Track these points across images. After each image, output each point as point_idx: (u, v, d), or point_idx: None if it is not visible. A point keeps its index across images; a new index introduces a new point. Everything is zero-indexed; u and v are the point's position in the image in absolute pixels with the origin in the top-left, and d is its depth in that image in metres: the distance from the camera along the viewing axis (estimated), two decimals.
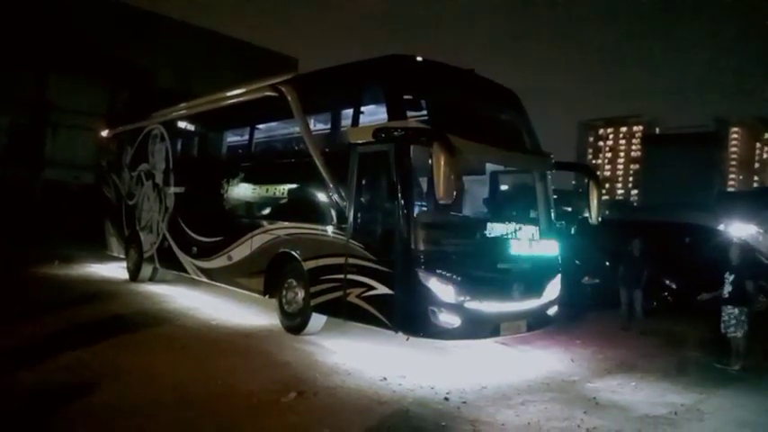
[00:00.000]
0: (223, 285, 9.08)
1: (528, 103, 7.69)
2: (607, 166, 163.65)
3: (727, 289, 7.29)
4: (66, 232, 16.85)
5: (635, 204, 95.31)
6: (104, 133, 14.07)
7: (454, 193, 5.51)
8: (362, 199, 6.53)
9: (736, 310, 7.19)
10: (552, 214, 7.45)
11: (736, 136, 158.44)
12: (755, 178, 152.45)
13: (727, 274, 7.35)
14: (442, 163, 5.39)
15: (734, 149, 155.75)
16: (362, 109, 6.91)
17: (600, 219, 7.67)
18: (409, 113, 6.46)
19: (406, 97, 6.42)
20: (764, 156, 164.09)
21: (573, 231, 12.44)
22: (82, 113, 22.20)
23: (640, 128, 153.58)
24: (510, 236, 6.60)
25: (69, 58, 21.83)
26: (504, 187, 8.11)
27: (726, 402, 5.89)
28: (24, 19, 21.65)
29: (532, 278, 6.73)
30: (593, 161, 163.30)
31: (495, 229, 6.48)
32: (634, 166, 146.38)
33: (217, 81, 10.29)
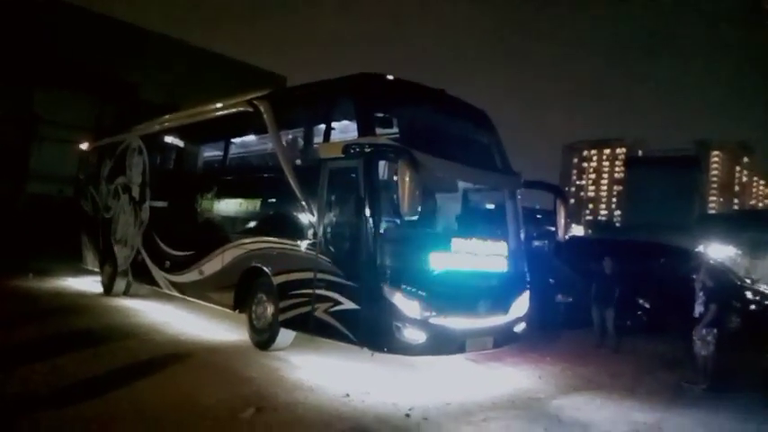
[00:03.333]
0: (194, 300, 9.01)
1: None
2: (591, 187, 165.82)
3: (699, 310, 7.40)
4: (45, 245, 16.66)
5: (617, 225, 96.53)
6: (84, 146, 14.02)
7: (418, 209, 5.56)
8: (332, 214, 6.57)
9: (704, 331, 7.30)
10: (521, 232, 7.53)
11: (716, 159, 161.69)
12: (735, 201, 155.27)
13: (700, 295, 7.46)
14: (407, 179, 5.47)
15: (714, 173, 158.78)
16: (334, 125, 7.00)
17: (567, 237, 7.77)
18: (380, 131, 6.54)
19: (376, 114, 6.50)
20: (744, 179, 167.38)
21: (548, 250, 12.52)
22: (68, 127, 22.07)
23: (623, 150, 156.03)
24: (478, 253, 6.66)
25: (56, 72, 21.77)
26: (475, 205, 8.18)
27: (687, 421, 5.94)
28: (10, 32, 21.60)
29: (499, 295, 6.77)
30: (578, 182, 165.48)
31: (463, 246, 6.53)
32: (617, 188, 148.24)
33: (204, 97, 10.31)
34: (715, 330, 7.30)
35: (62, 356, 6.18)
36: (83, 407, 4.78)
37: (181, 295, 9.29)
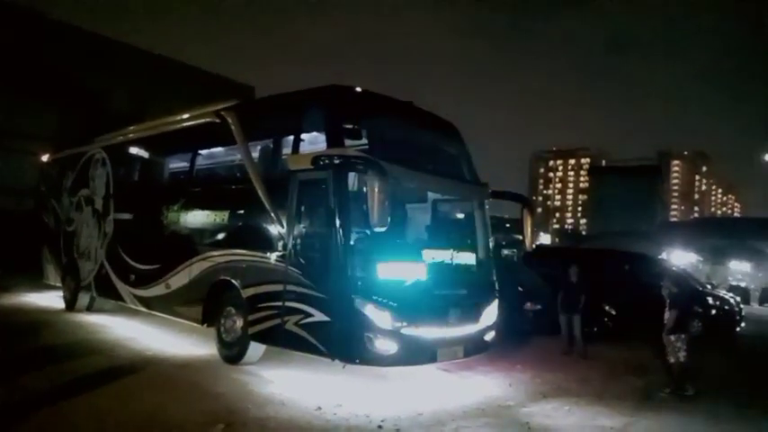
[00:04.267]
0: (161, 314, 8.83)
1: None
2: (557, 196, 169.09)
3: (665, 317, 7.52)
4: (4, 260, 16.14)
5: (583, 233, 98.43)
6: (45, 158, 13.67)
7: (388, 220, 5.59)
8: (301, 225, 6.54)
9: (672, 337, 7.43)
10: (490, 242, 7.64)
11: (677, 169, 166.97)
12: (695, 209, 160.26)
13: (667, 302, 7.58)
14: (376, 190, 5.50)
15: (675, 181, 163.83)
16: (303, 137, 6.97)
17: (534, 246, 7.91)
18: (349, 142, 6.57)
19: (344, 126, 6.51)
20: (703, 188, 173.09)
21: (516, 259, 12.70)
22: (31, 137, 21.46)
23: (588, 160, 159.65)
24: (447, 262, 6.72)
25: (18, 80, 21.19)
26: (444, 215, 8.26)
27: (654, 425, 6.08)
28: None
29: (469, 304, 6.83)
30: (545, 191, 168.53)
31: (432, 256, 6.58)
32: (582, 197, 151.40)
33: (171, 107, 10.19)
34: (683, 336, 7.40)
35: (23, 375, 5.99)
36: (44, 424, 4.63)
37: (147, 310, 9.09)
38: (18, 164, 21.44)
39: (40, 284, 12.82)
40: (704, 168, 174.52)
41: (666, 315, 7.51)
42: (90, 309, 10.93)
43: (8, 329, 8.53)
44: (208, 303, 7.60)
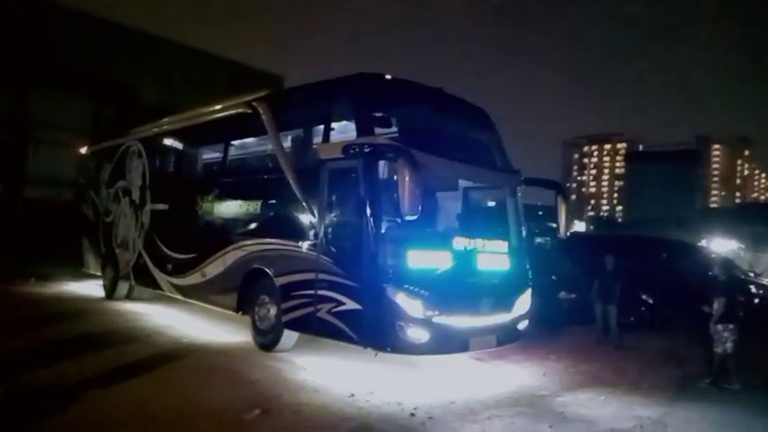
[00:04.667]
0: (197, 303, 9.02)
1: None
2: (592, 183, 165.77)
3: (715, 306, 7.20)
4: (46, 250, 16.69)
5: (619, 220, 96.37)
6: (83, 150, 14.02)
7: (419, 208, 5.55)
8: (332, 214, 6.56)
9: (720, 327, 7.14)
10: (523, 229, 7.53)
11: (717, 153, 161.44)
12: (737, 194, 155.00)
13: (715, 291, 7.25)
14: (407, 178, 5.47)
15: (715, 166, 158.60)
16: (333, 126, 6.98)
17: (568, 234, 7.77)
18: (379, 130, 6.53)
19: (374, 114, 6.49)
20: (745, 172, 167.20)
21: (550, 247, 12.51)
22: (65, 130, 22.03)
23: (624, 145, 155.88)
24: (480, 250, 6.65)
25: (52, 74, 21.70)
26: (476, 203, 8.18)
27: (692, 415, 5.93)
28: (6, 34, 21.56)
29: (502, 293, 6.77)
30: (579, 177, 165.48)
31: (464, 244, 6.52)
32: (618, 183, 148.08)
33: (202, 98, 10.32)
34: (731, 326, 7.05)
35: (64, 361, 6.19)
36: (86, 411, 4.78)
37: (183, 298, 9.29)
38: (53, 155, 22.05)
39: (80, 274, 13.21)
40: (746, 152, 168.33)
41: (715, 305, 7.19)
42: (128, 297, 11.22)
43: (50, 317, 8.82)
44: (242, 292, 7.71)
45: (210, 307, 8.66)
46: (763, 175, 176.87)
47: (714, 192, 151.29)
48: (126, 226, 11.04)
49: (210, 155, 9.71)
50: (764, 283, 16.12)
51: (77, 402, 4.97)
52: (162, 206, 10.14)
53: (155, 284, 9.96)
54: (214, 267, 8.36)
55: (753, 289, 13.90)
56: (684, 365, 8.18)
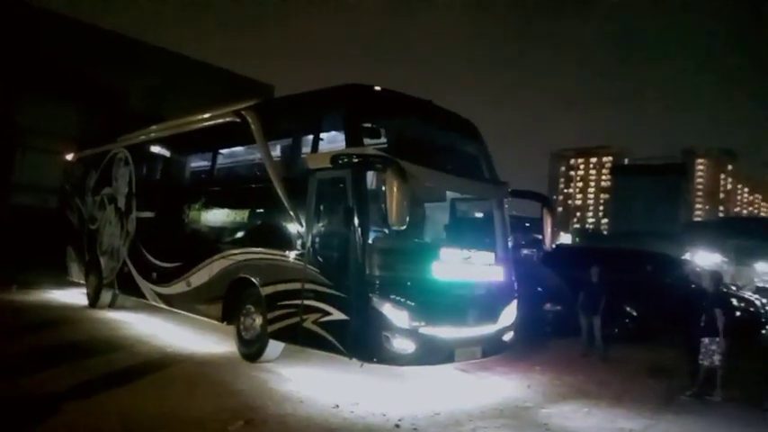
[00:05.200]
0: (182, 312, 8.94)
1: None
2: (578, 196, 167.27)
3: (703, 319, 7.29)
4: (30, 257, 16.48)
5: (604, 233, 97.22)
6: (69, 157, 13.90)
7: (407, 219, 5.57)
8: (320, 224, 6.57)
9: (707, 340, 7.24)
10: (509, 241, 7.58)
11: (701, 167, 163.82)
12: (721, 208, 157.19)
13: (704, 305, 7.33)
14: (395, 189, 5.50)
15: (700, 180, 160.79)
16: (322, 136, 7.01)
17: (553, 246, 7.84)
18: (368, 141, 6.57)
19: (364, 125, 6.53)
20: (729, 186, 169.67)
21: (536, 258, 12.59)
22: (52, 136, 21.83)
23: (610, 158, 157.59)
24: (466, 262, 6.68)
25: (40, 80, 21.55)
26: (463, 214, 8.22)
27: (674, 427, 5.99)
28: None
29: (488, 304, 6.80)
30: (565, 190, 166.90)
31: (451, 255, 6.55)
32: (604, 196, 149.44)
33: (191, 106, 10.30)
34: (718, 339, 7.13)
35: (46, 371, 6.10)
36: (67, 421, 4.71)
37: (168, 307, 9.21)
38: (40, 162, 21.82)
39: (63, 281, 13.04)
40: (730, 167, 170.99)
41: (703, 317, 7.26)
42: (112, 306, 11.10)
43: (31, 326, 8.70)
44: (227, 301, 7.67)
45: (195, 316, 8.59)
46: (746, 189, 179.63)
47: (698, 205, 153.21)
48: (111, 234, 10.94)
49: (198, 163, 9.68)
50: (746, 296, 16.34)
51: (58, 412, 4.89)
52: (148, 214, 10.08)
53: (139, 293, 9.86)
54: (199, 276, 8.31)
55: (734, 302, 14.07)
56: (668, 378, 8.25)
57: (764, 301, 16.78)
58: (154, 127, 11.07)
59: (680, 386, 7.51)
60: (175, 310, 9.13)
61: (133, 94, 25.44)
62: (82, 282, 11.96)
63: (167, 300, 9.10)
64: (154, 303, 9.57)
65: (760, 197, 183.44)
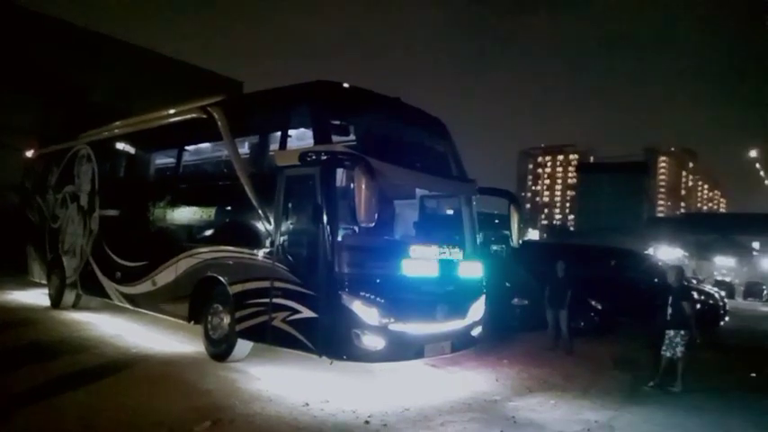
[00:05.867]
0: (147, 312, 8.78)
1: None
2: (546, 192, 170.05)
3: (668, 312, 7.48)
4: None
5: (571, 229, 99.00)
6: (29, 153, 13.49)
7: (375, 216, 5.58)
8: (288, 222, 6.52)
9: (672, 332, 7.43)
10: (477, 237, 7.66)
11: (664, 165, 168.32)
12: (682, 204, 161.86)
13: (669, 298, 7.50)
14: (363, 186, 5.49)
15: (662, 177, 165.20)
16: (290, 133, 6.96)
17: (521, 242, 7.96)
18: (336, 138, 6.53)
19: (332, 122, 6.49)
20: (690, 183, 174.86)
21: (505, 254, 12.75)
22: (13, 131, 21.17)
23: (576, 156, 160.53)
24: (435, 258, 6.73)
25: (1, 73, 20.88)
26: (432, 211, 8.28)
27: (637, 418, 6.14)
28: None
29: (457, 300, 6.85)
30: (533, 187, 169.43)
31: (419, 252, 6.59)
32: (571, 193, 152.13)
33: (158, 102, 10.10)
34: (683, 332, 7.34)
35: (5, 372, 5.93)
36: (27, 423, 4.59)
37: (133, 307, 9.03)
38: (1, 158, 21.13)
39: (24, 281, 12.67)
40: (691, 164, 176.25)
41: (669, 310, 7.44)
42: (75, 306, 10.82)
43: None
44: (194, 300, 7.56)
45: (161, 316, 8.44)
46: (706, 186, 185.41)
47: (661, 202, 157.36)
48: (73, 232, 10.67)
49: (163, 160, 9.51)
50: (706, 289, 16.86)
51: (18, 414, 4.76)
52: (112, 212, 9.84)
53: (103, 293, 9.64)
54: (165, 275, 8.17)
55: (695, 295, 14.50)
56: (632, 370, 8.48)
57: (723, 293, 17.36)
58: (118, 123, 10.82)
59: (643, 378, 7.71)
60: (141, 311, 8.95)
61: (98, 90, 24.86)
62: (44, 282, 11.62)
63: (132, 300, 8.92)
64: (118, 303, 9.37)
65: (719, 193, 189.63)
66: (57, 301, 10.89)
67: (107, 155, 10.45)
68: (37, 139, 14.54)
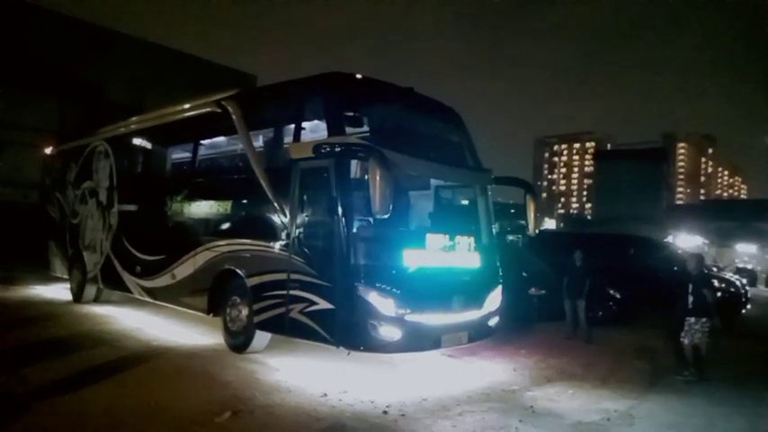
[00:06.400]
0: (167, 305, 8.89)
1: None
2: (562, 181, 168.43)
3: (690, 300, 7.40)
4: (11, 253, 16.27)
5: (588, 218, 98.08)
6: (48, 150, 13.68)
7: (390, 207, 5.57)
8: (304, 214, 6.54)
9: (693, 319, 7.35)
10: (493, 227, 7.62)
11: (683, 151, 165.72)
12: (701, 191, 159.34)
13: (690, 286, 7.42)
14: (378, 178, 5.48)
15: (681, 164, 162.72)
16: (304, 125, 6.97)
17: (537, 231, 7.90)
18: (350, 130, 6.54)
19: (345, 114, 6.48)
20: (709, 170, 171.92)
21: (521, 244, 12.68)
22: (31, 130, 21.50)
23: (592, 144, 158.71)
24: (451, 248, 6.71)
25: (18, 72, 21.15)
26: (447, 202, 8.25)
27: (657, 407, 6.10)
28: None
29: (473, 290, 6.83)
30: (549, 176, 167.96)
31: (436, 242, 6.58)
32: (587, 181, 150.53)
33: (172, 97, 10.17)
34: (704, 319, 7.27)
35: (29, 366, 6.04)
36: (53, 417, 4.68)
37: (153, 300, 9.15)
38: (20, 156, 21.50)
39: (46, 277, 12.91)
40: (710, 150, 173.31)
41: (690, 299, 7.37)
42: (97, 300, 11.00)
43: (14, 322, 8.60)
44: (213, 293, 7.64)
45: (181, 309, 8.54)
46: (726, 172, 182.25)
47: (680, 189, 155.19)
48: (93, 228, 10.81)
49: (179, 154, 9.57)
50: (727, 277, 16.61)
51: (43, 408, 4.85)
52: (130, 207, 9.97)
53: (123, 287, 9.78)
54: (184, 269, 8.26)
55: (716, 283, 14.30)
56: (651, 359, 8.40)
57: (744, 281, 17.08)
58: (134, 119, 10.91)
59: (664, 367, 7.63)
60: (161, 304, 9.08)
61: (114, 87, 25.10)
62: (65, 277, 11.84)
63: (152, 293, 9.03)
64: (139, 297, 9.50)
65: (740, 179, 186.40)
66: (78, 296, 11.08)
67: (124, 150, 10.56)
68: (55, 138, 14.77)
